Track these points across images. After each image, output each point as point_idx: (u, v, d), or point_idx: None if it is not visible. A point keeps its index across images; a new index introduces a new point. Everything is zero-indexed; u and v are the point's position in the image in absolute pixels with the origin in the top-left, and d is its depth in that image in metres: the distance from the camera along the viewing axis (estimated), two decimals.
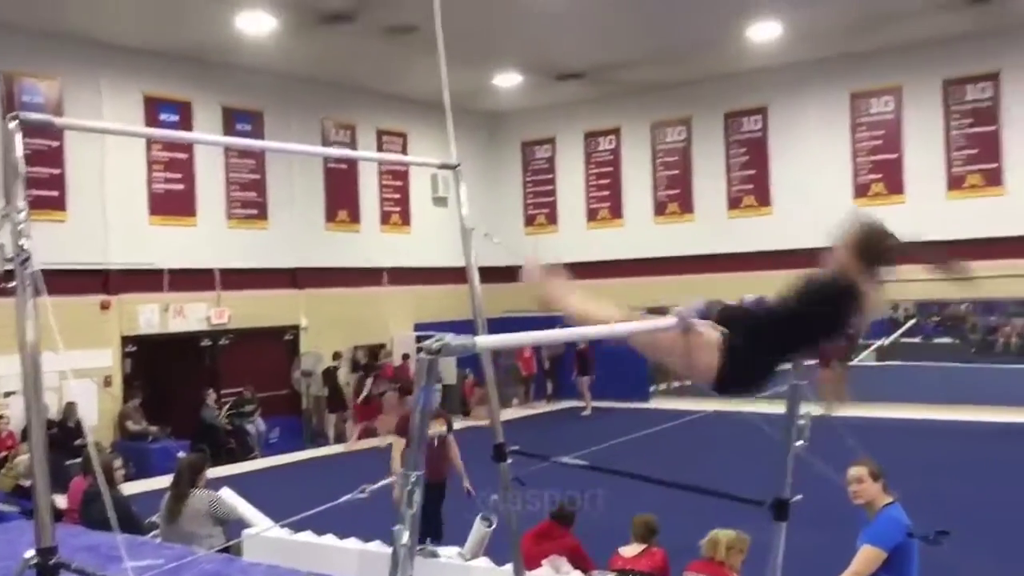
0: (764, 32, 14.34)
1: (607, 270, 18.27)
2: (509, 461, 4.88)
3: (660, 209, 18.33)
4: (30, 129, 3.41)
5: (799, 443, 4.04)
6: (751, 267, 16.78)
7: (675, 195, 18.15)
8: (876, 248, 3.18)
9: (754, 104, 17.21)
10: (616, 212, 18.89)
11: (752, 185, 17.30)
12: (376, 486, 3.09)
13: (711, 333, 2.94)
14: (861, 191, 16.22)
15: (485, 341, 2.56)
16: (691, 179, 17.99)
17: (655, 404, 18.02)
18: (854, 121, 16.32)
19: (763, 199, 17.17)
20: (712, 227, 17.57)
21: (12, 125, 3.10)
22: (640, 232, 18.43)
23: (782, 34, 14.41)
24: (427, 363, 2.37)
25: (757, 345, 3.00)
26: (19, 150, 3.17)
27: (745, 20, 13.86)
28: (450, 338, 2.47)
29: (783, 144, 17.00)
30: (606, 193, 19.04)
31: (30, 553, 3.04)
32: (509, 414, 14.02)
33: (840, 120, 16.41)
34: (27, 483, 6.91)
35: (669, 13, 13.26)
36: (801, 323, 3.08)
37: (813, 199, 16.34)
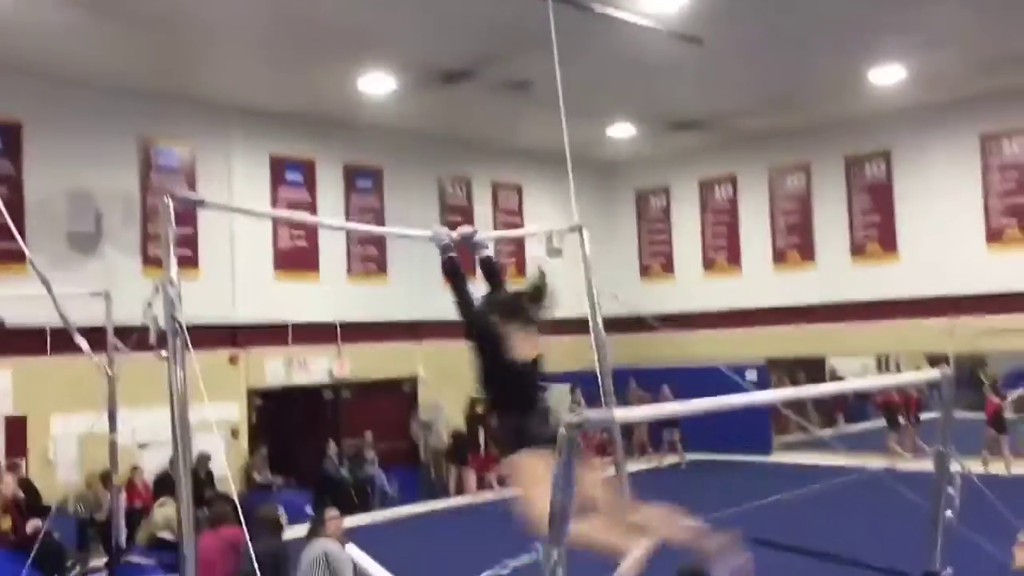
0: (887, 76, 13.96)
1: (725, 320, 17.96)
2: None
3: (779, 257, 17.93)
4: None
5: (948, 513, 3.84)
6: (877, 315, 16.25)
7: (795, 242, 17.73)
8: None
9: (877, 148, 16.72)
10: (734, 260, 18.56)
11: (877, 231, 16.75)
12: (518, 563, 3.07)
13: None
14: (994, 236, 15.51)
15: (624, 415, 2.52)
16: (812, 225, 17.54)
17: (777, 458, 17.45)
18: (985, 164, 15.68)
19: (889, 245, 16.60)
20: (835, 275, 17.04)
21: (167, 202, 3.26)
22: (759, 280, 18.02)
23: (906, 77, 14.02)
24: (568, 438, 2.35)
25: None
26: (172, 227, 3.32)
27: (866, 64, 13.54)
28: (590, 413, 2.44)
29: (909, 189, 16.42)
30: (723, 241, 18.74)
31: None
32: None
33: (970, 163, 15.75)
34: (165, 535, 7.13)
35: (786, 61, 13.07)
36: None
37: (942, 245, 15.76)
